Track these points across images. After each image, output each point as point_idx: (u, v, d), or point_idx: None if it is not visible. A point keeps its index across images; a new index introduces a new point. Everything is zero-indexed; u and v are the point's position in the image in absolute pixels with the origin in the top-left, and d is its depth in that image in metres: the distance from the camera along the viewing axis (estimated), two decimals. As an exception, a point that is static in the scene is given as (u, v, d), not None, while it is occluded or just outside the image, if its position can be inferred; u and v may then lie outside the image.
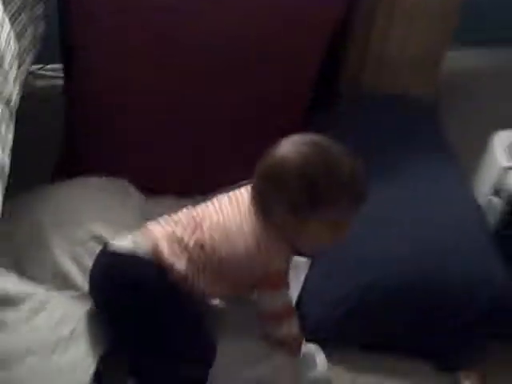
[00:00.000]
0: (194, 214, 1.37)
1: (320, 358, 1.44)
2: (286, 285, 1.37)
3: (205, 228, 1.33)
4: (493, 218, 1.66)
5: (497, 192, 1.65)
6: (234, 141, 1.86)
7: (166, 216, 1.40)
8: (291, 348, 1.40)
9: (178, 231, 1.33)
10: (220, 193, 1.43)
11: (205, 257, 1.32)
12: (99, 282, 1.36)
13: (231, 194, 1.39)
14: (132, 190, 1.73)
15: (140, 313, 1.30)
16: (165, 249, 1.32)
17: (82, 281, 1.44)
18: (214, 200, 1.40)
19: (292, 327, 1.39)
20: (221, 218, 1.34)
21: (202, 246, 1.32)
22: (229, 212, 1.35)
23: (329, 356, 1.46)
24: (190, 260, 1.32)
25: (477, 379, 1.52)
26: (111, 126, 1.78)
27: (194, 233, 1.33)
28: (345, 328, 1.53)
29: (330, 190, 1.25)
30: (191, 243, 1.32)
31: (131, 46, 1.70)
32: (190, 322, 1.35)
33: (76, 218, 1.55)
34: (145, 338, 1.31)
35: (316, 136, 1.31)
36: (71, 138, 1.86)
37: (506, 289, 1.52)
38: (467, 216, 1.64)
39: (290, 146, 1.27)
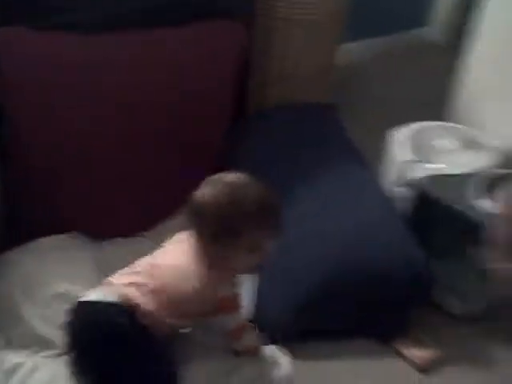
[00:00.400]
0: (150, 260, 1.55)
1: (282, 357, 1.67)
2: (238, 307, 1.56)
3: (159, 273, 1.51)
4: (401, 207, 1.92)
5: (402, 184, 1.90)
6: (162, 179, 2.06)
7: (126, 268, 1.56)
8: (253, 353, 1.63)
9: (140, 279, 1.50)
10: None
11: (166, 298, 1.48)
12: (77, 333, 1.49)
13: (178, 236, 1.59)
14: (84, 240, 1.89)
15: (116, 353, 1.46)
16: (132, 293, 1.48)
17: (60, 339, 1.58)
18: (165, 245, 1.59)
19: (250, 338, 1.61)
20: (169, 262, 1.54)
21: (161, 289, 1.49)
22: (175, 254, 1.55)
23: (290, 352, 1.69)
24: (154, 301, 1.49)
25: (412, 344, 1.80)
26: (48, 187, 1.93)
27: (153, 278, 1.50)
28: (298, 323, 1.76)
29: (237, 221, 1.49)
30: (153, 287, 1.48)
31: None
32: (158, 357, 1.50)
33: (40, 279, 1.69)
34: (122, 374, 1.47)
35: (230, 175, 1.53)
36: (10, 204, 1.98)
37: (423, 267, 1.79)
38: (383, 208, 1.88)
39: (206, 190, 1.50)
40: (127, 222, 2.00)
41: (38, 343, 1.60)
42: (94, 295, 1.51)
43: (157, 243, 1.87)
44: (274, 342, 1.70)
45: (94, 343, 1.46)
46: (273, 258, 1.65)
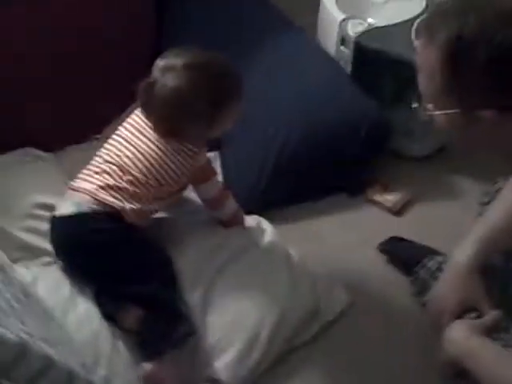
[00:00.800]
0: (109, 159, 1.49)
1: (265, 224, 1.71)
2: (214, 173, 1.60)
3: (127, 167, 1.47)
4: (344, 64, 1.97)
5: (342, 42, 1.94)
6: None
7: (85, 171, 1.51)
8: (237, 221, 1.66)
9: (108, 180, 1.46)
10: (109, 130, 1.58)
11: (140, 187, 1.46)
12: (63, 249, 1.49)
13: (127, 125, 1.53)
14: (38, 153, 1.84)
15: (105, 256, 1.43)
16: (107, 197, 1.45)
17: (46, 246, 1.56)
18: (117, 138, 1.53)
19: (232, 204, 1.63)
20: (134, 150, 1.48)
21: (132, 182, 1.46)
22: (138, 141, 1.49)
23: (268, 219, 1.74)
24: (128, 195, 1.45)
25: (382, 191, 1.91)
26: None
27: (121, 176, 1.46)
28: (271, 191, 1.82)
29: (223, 92, 1.48)
30: (124, 184, 1.46)
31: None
32: (145, 249, 1.50)
33: (12, 193, 1.65)
34: (114, 275, 1.45)
35: (181, 55, 1.46)
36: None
37: (378, 116, 1.88)
38: (328, 68, 1.94)
39: (165, 78, 1.44)
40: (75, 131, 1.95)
41: (28, 253, 1.57)
42: (69, 207, 1.47)
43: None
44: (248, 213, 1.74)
45: (82, 255, 1.46)
46: (233, 134, 1.68)
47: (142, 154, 1.48)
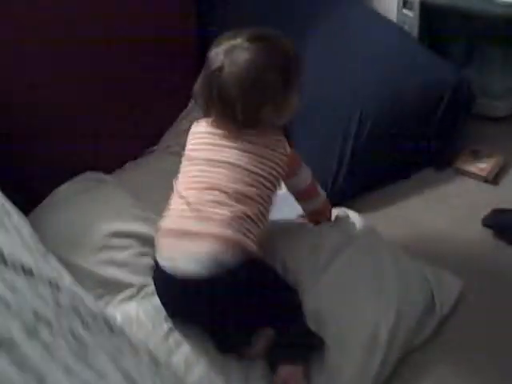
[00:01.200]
0: (203, 185, 1.29)
1: (354, 216, 1.55)
2: (301, 160, 1.42)
3: (229, 184, 1.28)
4: (410, 29, 1.80)
5: (405, 4, 1.77)
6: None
7: (177, 206, 1.31)
8: (328, 211, 1.51)
9: (215, 210, 1.26)
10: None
11: (250, 203, 1.28)
12: (183, 305, 1.29)
13: (196, 145, 1.36)
14: (99, 176, 1.70)
15: (239, 306, 1.27)
16: (226, 234, 1.24)
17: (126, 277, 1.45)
18: (196, 162, 1.33)
19: (322, 191, 1.48)
20: (226, 165, 1.30)
21: (240, 200, 1.27)
22: (222, 153, 1.31)
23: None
24: (243, 218, 1.26)
25: (472, 159, 1.74)
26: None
27: (226, 198, 1.27)
28: (352, 177, 1.66)
29: (292, 70, 1.32)
30: (235, 207, 1.26)
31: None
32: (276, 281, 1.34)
33: (83, 224, 1.50)
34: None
35: (242, 35, 1.30)
36: None
37: (459, 79, 1.71)
38: (395, 35, 1.77)
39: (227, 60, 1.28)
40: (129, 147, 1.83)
41: (109, 289, 1.43)
42: (188, 263, 1.24)
43: (167, 153, 1.80)
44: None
45: (211, 310, 1.27)
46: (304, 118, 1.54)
47: (235, 164, 1.29)
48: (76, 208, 1.57)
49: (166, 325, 1.31)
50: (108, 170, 1.76)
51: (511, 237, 1.54)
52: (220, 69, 1.27)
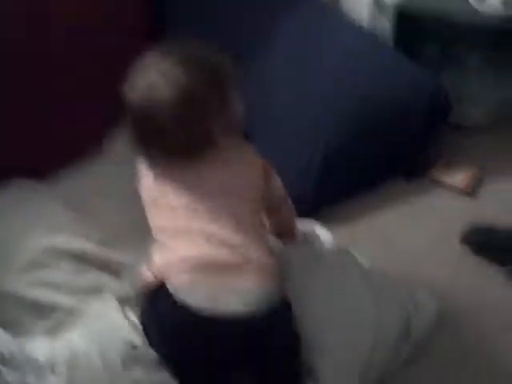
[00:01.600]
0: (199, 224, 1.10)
1: (321, 230, 1.39)
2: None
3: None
4: (383, 34, 1.67)
5: (378, 8, 1.64)
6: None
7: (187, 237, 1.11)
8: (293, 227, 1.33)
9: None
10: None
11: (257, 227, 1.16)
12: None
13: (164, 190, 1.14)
14: (29, 183, 1.49)
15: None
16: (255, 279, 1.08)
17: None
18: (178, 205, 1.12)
19: (291, 206, 1.31)
20: (211, 197, 1.13)
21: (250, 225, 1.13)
22: (199, 189, 1.13)
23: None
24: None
25: (445, 167, 1.61)
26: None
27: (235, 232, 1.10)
28: (322, 187, 1.51)
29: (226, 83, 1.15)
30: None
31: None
32: None
33: (12, 239, 1.32)
34: None
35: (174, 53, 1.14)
36: None
37: (435, 85, 1.57)
38: (367, 40, 1.62)
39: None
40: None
41: (38, 313, 1.24)
42: (230, 302, 1.06)
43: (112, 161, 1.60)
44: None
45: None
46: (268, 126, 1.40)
47: (218, 191, 1.12)
48: (3, 222, 1.37)
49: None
50: (39, 175, 1.53)
51: (492, 255, 1.41)
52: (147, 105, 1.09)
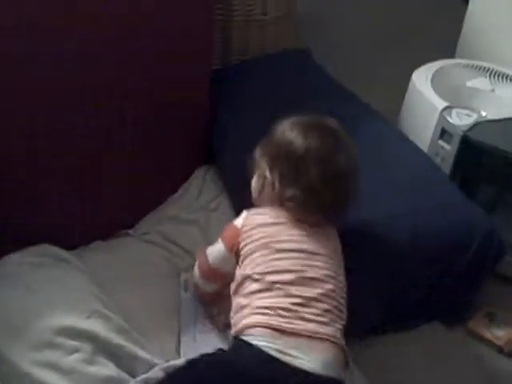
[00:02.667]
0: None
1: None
2: None
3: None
4: (440, 161, 1.62)
5: (442, 135, 1.60)
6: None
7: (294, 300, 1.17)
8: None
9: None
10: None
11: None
12: None
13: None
14: (59, 252, 1.42)
15: None
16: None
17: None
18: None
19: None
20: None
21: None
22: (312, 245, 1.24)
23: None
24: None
25: (485, 320, 1.52)
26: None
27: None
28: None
29: None
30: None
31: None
32: None
33: (27, 312, 1.23)
34: None
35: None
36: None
37: (490, 228, 1.49)
38: (425, 165, 1.56)
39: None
40: (106, 221, 1.55)
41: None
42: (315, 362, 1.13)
43: (143, 241, 1.56)
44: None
45: None
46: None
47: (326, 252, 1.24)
48: (25, 286, 1.29)
49: None
50: (69, 246, 1.48)
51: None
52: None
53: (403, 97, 1.74)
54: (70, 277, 1.36)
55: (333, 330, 1.16)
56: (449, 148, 1.60)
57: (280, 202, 1.25)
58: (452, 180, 1.60)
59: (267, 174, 1.26)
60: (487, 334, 1.49)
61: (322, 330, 1.14)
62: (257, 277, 1.18)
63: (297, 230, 1.23)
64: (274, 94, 1.69)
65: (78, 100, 1.45)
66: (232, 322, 1.22)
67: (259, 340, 1.12)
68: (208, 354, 1.17)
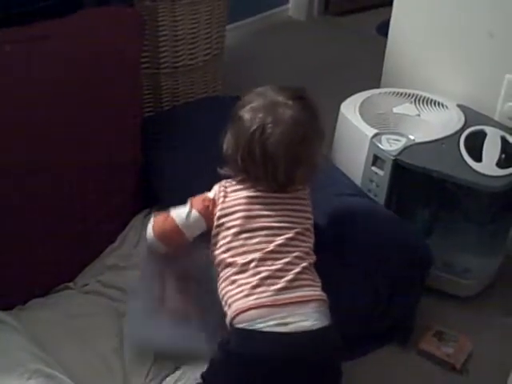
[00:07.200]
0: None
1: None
2: None
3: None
4: (380, 189, 1.63)
5: (375, 161, 1.63)
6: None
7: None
8: None
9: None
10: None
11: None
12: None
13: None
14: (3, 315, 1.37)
15: None
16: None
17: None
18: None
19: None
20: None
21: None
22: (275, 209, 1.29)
23: None
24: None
25: (434, 338, 1.54)
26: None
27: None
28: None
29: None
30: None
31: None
32: None
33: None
34: None
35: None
36: None
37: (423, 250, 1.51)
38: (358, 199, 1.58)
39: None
40: (44, 278, 1.52)
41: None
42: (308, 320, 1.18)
43: (83, 292, 1.52)
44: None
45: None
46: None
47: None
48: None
49: None
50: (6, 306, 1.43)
51: None
52: (262, 127, 1.24)
53: (334, 129, 1.77)
54: (6, 339, 1.31)
55: (312, 288, 1.22)
56: (382, 173, 1.62)
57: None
58: (388, 205, 1.63)
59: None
60: (437, 352, 1.50)
61: (304, 293, 1.20)
62: (230, 260, 1.23)
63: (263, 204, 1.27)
64: (204, 135, 1.70)
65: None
66: (224, 310, 1.24)
67: (258, 322, 1.16)
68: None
